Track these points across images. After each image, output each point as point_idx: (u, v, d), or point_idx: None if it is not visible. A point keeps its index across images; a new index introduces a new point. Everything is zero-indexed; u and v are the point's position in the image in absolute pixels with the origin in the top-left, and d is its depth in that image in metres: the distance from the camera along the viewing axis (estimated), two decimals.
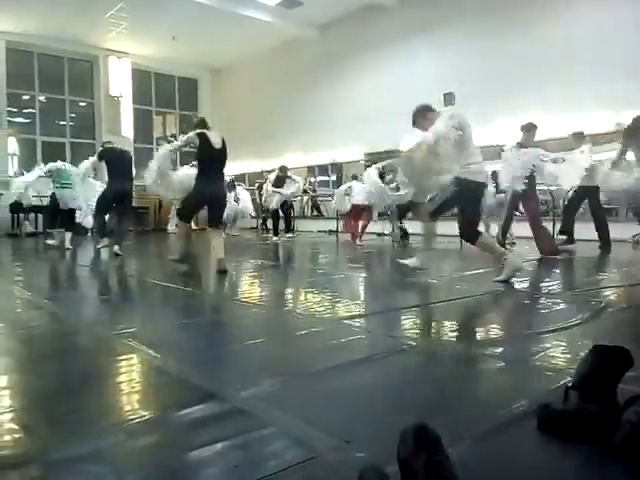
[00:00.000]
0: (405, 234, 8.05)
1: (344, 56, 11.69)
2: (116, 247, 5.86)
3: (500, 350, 1.94)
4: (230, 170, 12.10)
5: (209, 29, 11.84)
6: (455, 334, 2.30)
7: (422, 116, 3.75)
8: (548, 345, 1.97)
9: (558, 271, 4.79)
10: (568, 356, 1.81)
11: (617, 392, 1.22)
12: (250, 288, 4.05)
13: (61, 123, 13.72)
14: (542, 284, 3.89)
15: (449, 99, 9.27)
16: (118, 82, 13.95)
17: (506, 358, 1.84)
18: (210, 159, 4.28)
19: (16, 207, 9.27)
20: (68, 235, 6.82)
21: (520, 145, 5.38)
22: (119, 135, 13.55)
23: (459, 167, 3.47)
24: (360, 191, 7.78)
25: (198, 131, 4.27)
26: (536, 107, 8.10)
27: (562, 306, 2.82)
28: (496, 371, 1.75)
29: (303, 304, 3.23)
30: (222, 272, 4.20)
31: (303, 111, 12.62)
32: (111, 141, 6.82)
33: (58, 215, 6.97)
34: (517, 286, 3.50)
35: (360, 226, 8.21)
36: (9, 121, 12.55)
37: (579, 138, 5.94)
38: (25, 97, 13.15)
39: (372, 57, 11.16)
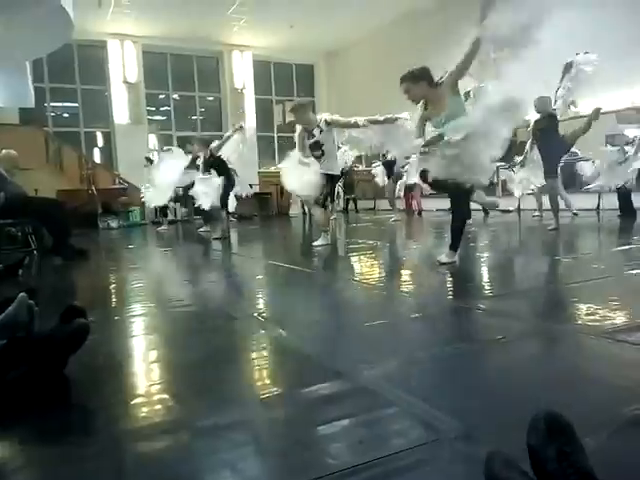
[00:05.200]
0: None
1: (468, 23, 11.09)
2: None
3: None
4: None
5: (323, 12, 11.95)
6: (592, 317, 2.14)
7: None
8: None
9: None
10: None
11: None
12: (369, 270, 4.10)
13: (192, 118, 14.81)
14: None
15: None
16: (241, 75, 14.68)
17: None
18: None
19: None
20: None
21: None
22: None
23: None
24: None
25: None
26: None
27: None
28: (629, 359, 1.60)
29: (421, 286, 3.20)
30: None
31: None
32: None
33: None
34: None
35: None
36: (149, 119, 13.81)
37: None
38: (161, 96, 14.36)
39: None
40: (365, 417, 1.24)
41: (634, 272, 3.10)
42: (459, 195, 3.50)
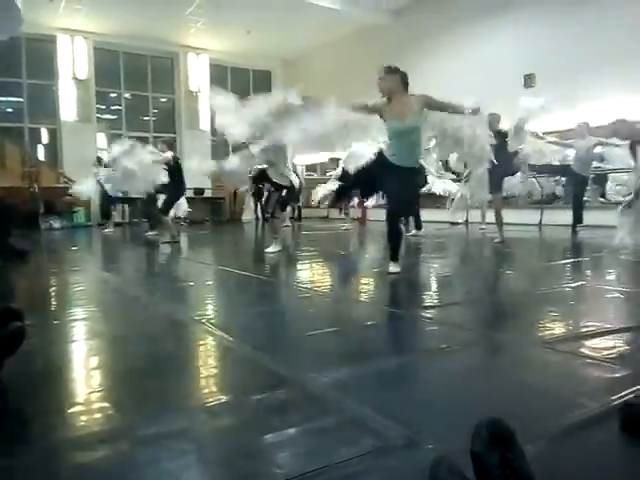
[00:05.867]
0: None
1: (420, 40, 11.40)
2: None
3: (590, 343, 1.85)
4: (302, 160, 12.24)
5: (281, 20, 11.98)
6: (532, 327, 2.22)
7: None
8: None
9: None
10: None
11: None
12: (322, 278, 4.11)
13: (145, 119, 14.46)
14: None
15: (529, 81, 8.92)
16: (197, 77, 14.47)
17: (591, 353, 1.75)
18: None
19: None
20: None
21: None
22: (197, 129, 14.17)
23: None
24: None
25: None
26: (620, 89, 7.58)
27: None
28: (576, 365, 1.68)
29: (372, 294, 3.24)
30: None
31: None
32: None
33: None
34: None
35: None
36: (98, 118, 13.37)
37: None
38: (112, 95, 13.95)
39: (448, 40, 10.81)
40: (312, 425, 1.24)
41: (573, 285, 3.25)
42: (398, 210, 3.70)
